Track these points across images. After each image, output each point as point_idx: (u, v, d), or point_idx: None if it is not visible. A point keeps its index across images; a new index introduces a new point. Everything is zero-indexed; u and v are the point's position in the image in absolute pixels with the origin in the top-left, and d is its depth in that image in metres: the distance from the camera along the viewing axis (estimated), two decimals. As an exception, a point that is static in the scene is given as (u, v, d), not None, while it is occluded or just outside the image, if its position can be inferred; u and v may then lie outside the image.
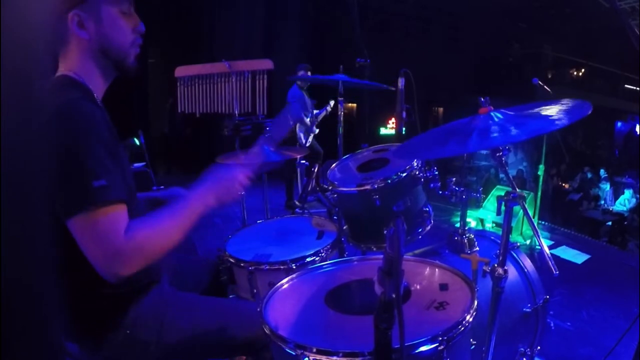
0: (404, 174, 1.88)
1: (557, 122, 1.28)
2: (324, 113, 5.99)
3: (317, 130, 6.00)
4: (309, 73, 5.61)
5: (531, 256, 2.00)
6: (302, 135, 5.79)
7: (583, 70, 14.11)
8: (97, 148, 1.20)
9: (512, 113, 1.43)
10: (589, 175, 10.82)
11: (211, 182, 1.42)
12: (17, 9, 0.44)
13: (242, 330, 1.51)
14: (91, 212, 1.17)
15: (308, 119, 5.80)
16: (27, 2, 0.45)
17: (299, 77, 5.75)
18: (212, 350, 1.52)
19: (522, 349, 1.84)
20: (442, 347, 1.07)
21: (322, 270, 1.56)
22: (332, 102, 5.98)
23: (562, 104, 1.40)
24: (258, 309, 1.29)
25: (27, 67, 0.47)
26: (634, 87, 12.16)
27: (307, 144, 5.79)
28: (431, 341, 1.07)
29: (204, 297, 1.62)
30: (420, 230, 2.01)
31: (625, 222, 8.73)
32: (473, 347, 1.30)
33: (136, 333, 1.39)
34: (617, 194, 9.95)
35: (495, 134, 1.32)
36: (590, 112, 1.30)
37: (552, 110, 1.38)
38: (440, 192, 1.96)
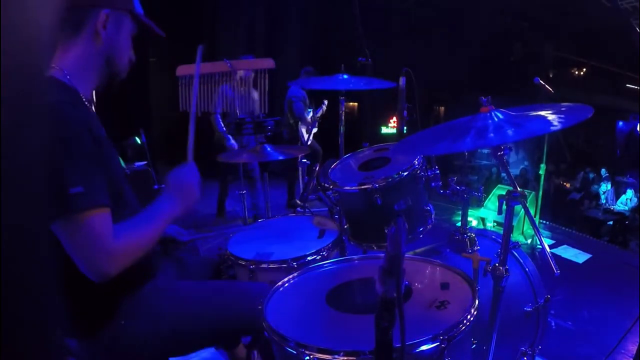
0: (405, 173, 1.88)
1: (555, 124, 1.29)
2: (320, 112, 6.01)
3: (316, 129, 6.02)
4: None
5: (532, 255, 2.00)
6: (304, 133, 5.81)
7: (584, 69, 14.08)
8: (75, 154, 1.21)
9: (513, 113, 1.43)
10: (591, 174, 10.80)
11: (174, 190, 1.46)
12: (19, 6, 0.44)
13: (242, 309, 1.52)
14: (69, 218, 1.19)
15: (309, 117, 5.82)
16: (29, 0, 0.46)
17: (299, 82, 5.77)
18: (210, 333, 1.54)
19: (523, 348, 1.84)
20: (443, 346, 1.07)
21: (323, 269, 1.56)
22: (325, 102, 6.01)
23: (564, 107, 1.40)
24: (259, 307, 1.30)
25: (27, 66, 0.47)
26: (636, 87, 12.12)
27: (309, 142, 5.80)
28: (432, 340, 1.07)
29: (201, 282, 1.62)
30: (421, 229, 2.01)
31: (627, 222, 8.71)
32: (474, 346, 1.31)
33: (132, 323, 1.42)
34: (618, 194, 9.93)
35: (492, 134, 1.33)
36: (591, 114, 1.30)
37: (552, 112, 1.38)
38: (442, 191, 1.96)
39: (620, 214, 9.18)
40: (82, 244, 1.20)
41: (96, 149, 1.28)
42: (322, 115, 6.00)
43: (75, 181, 1.19)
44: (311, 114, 5.91)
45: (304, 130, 5.81)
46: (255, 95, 3.73)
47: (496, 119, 1.39)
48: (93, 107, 1.43)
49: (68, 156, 1.20)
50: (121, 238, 1.26)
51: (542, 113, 1.39)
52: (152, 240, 1.37)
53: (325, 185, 2.03)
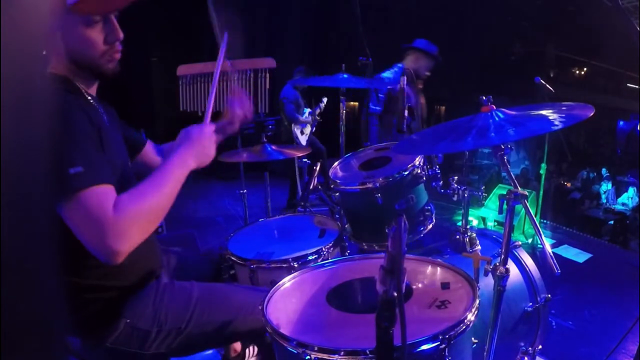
0: (406, 173, 1.88)
1: (555, 123, 1.29)
2: (318, 110, 6.01)
3: (313, 129, 6.01)
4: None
5: (533, 255, 2.00)
6: (298, 135, 5.80)
7: (585, 69, 14.09)
8: (74, 135, 1.21)
9: (513, 112, 1.43)
10: (591, 174, 10.81)
11: (187, 145, 1.41)
12: (18, 7, 0.44)
13: (243, 315, 1.52)
14: (73, 198, 1.17)
15: (303, 118, 5.82)
16: (28, 1, 0.46)
17: (299, 82, 5.75)
18: (213, 336, 1.53)
19: (523, 347, 1.84)
20: (443, 345, 1.07)
21: (324, 269, 1.56)
22: (324, 99, 6.01)
23: (564, 106, 1.40)
24: (260, 307, 1.30)
25: (28, 65, 0.47)
26: (636, 86, 12.12)
27: (304, 143, 5.79)
28: (432, 340, 1.07)
29: (202, 283, 1.61)
30: (422, 228, 2.01)
31: (627, 221, 8.72)
32: (474, 345, 1.31)
33: (136, 322, 1.42)
34: (619, 193, 9.94)
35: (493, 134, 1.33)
36: (592, 114, 1.30)
37: (553, 112, 1.38)
38: (442, 190, 1.96)
39: (620, 213, 9.18)
40: (86, 221, 1.18)
41: (95, 132, 1.29)
42: (320, 113, 5.99)
43: (74, 161, 1.18)
44: (306, 114, 5.90)
45: (298, 132, 5.80)
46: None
47: (497, 119, 1.39)
48: (94, 102, 1.42)
49: (67, 138, 1.19)
50: (125, 206, 1.22)
51: (543, 112, 1.39)
52: (164, 202, 1.30)
53: (327, 184, 2.04)
